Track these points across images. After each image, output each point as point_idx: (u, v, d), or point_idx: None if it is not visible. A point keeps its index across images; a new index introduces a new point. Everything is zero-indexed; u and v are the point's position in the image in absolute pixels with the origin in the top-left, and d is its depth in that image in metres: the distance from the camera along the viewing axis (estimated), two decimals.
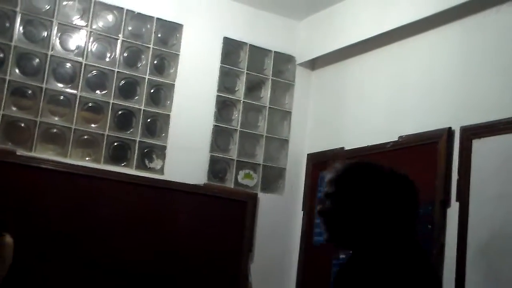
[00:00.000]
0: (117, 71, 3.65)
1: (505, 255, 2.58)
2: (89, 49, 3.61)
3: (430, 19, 3.21)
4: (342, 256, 3.50)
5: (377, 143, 3.41)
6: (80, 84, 3.55)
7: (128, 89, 3.69)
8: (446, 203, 2.93)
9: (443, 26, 3.20)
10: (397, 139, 3.30)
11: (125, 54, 3.70)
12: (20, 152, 3.35)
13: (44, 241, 3.31)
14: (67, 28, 3.58)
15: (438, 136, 3.04)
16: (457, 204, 2.87)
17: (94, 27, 3.64)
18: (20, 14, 3.47)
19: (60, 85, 3.52)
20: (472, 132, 2.87)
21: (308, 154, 4.02)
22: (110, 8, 3.69)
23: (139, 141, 3.66)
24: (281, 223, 3.94)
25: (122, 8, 3.71)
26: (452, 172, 2.94)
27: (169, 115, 3.75)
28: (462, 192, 2.85)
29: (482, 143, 2.82)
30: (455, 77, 3.07)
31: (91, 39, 3.63)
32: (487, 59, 2.93)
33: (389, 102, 3.46)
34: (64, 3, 3.59)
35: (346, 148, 3.68)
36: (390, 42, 3.52)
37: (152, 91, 3.75)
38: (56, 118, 3.49)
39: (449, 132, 2.99)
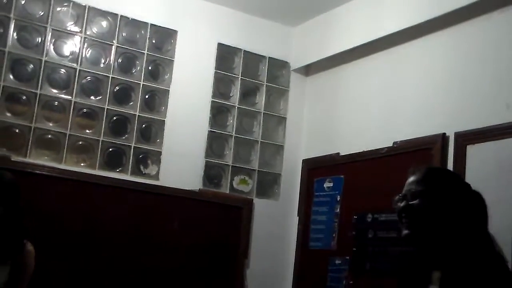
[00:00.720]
0: (112, 77, 3.65)
1: None
2: (83, 55, 3.61)
3: (424, 26, 3.23)
4: (338, 261, 3.51)
5: (372, 149, 3.43)
6: (74, 90, 3.54)
7: (123, 95, 3.69)
8: None
9: (436, 32, 3.22)
10: (391, 145, 3.31)
11: (120, 60, 3.70)
12: (15, 158, 3.34)
13: (38, 246, 3.29)
14: (61, 34, 3.58)
15: (432, 142, 3.05)
16: None
17: (88, 33, 3.64)
18: (14, 20, 3.46)
19: (55, 91, 3.52)
20: (466, 138, 2.89)
21: (303, 160, 4.03)
22: (104, 14, 3.69)
23: (134, 146, 3.66)
24: (276, 228, 3.94)
25: (116, 14, 3.71)
26: None
27: (164, 120, 3.75)
28: None
29: (476, 148, 2.83)
30: (449, 83, 3.09)
31: (85, 45, 3.62)
32: (480, 65, 2.95)
33: (384, 107, 3.48)
34: (58, 9, 3.58)
35: (341, 153, 3.69)
36: (385, 48, 3.54)
37: (146, 96, 3.75)
38: (51, 124, 3.48)
39: (444, 138, 3.00)
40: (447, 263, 1.56)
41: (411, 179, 1.65)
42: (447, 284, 1.54)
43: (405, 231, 1.61)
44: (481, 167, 2.79)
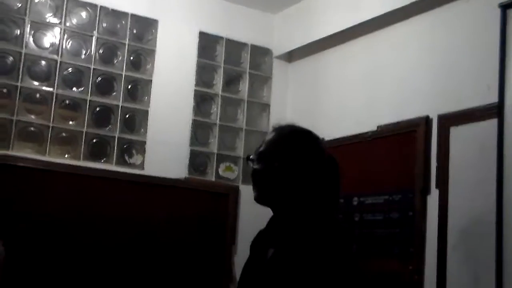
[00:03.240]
0: (93, 68, 3.63)
1: (484, 239, 2.63)
2: (64, 47, 3.57)
3: (405, 9, 3.25)
4: None
5: (357, 133, 3.45)
6: (56, 82, 3.51)
7: (105, 85, 3.66)
8: (426, 190, 2.98)
9: (418, 15, 3.24)
10: (375, 129, 3.34)
11: (101, 51, 3.67)
12: None
13: (26, 239, 3.28)
14: (40, 26, 3.54)
15: (416, 125, 3.09)
16: (437, 191, 2.92)
17: (68, 24, 3.60)
18: None
19: (36, 83, 3.48)
20: (449, 120, 2.93)
21: None
22: (84, 4, 3.65)
23: (118, 137, 3.64)
24: (263, 214, 3.91)
25: (95, 5, 3.67)
26: (431, 160, 2.99)
27: (147, 110, 3.74)
28: (441, 179, 2.90)
29: (460, 130, 2.87)
30: (431, 66, 3.12)
31: (66, 36, 3.59)
32: (461, 48, 2.98)
33: (367, 92, 3.50)
34: (36, 0, 3.53)
35: (326, 138, 3.69)
36: (366, 33, 3.55)
37: (129, 87, 3.73)
38: (33, 116, 3.45)
39: (427, 120, 3.04)
40: (281, 240, 1.51)
41: (267, 137, 1.59)
42: (273, 262, 1.49)
43: (254, 193, 1.59)
44: (464, 148, 2.83)
